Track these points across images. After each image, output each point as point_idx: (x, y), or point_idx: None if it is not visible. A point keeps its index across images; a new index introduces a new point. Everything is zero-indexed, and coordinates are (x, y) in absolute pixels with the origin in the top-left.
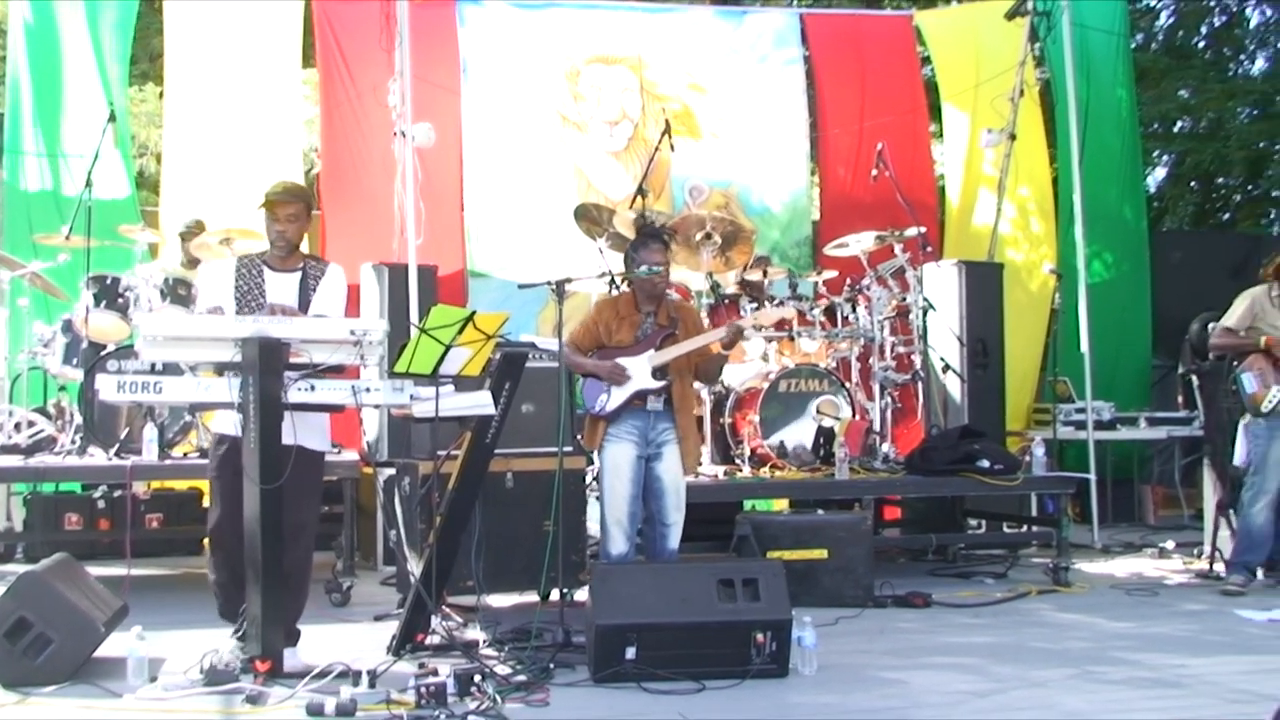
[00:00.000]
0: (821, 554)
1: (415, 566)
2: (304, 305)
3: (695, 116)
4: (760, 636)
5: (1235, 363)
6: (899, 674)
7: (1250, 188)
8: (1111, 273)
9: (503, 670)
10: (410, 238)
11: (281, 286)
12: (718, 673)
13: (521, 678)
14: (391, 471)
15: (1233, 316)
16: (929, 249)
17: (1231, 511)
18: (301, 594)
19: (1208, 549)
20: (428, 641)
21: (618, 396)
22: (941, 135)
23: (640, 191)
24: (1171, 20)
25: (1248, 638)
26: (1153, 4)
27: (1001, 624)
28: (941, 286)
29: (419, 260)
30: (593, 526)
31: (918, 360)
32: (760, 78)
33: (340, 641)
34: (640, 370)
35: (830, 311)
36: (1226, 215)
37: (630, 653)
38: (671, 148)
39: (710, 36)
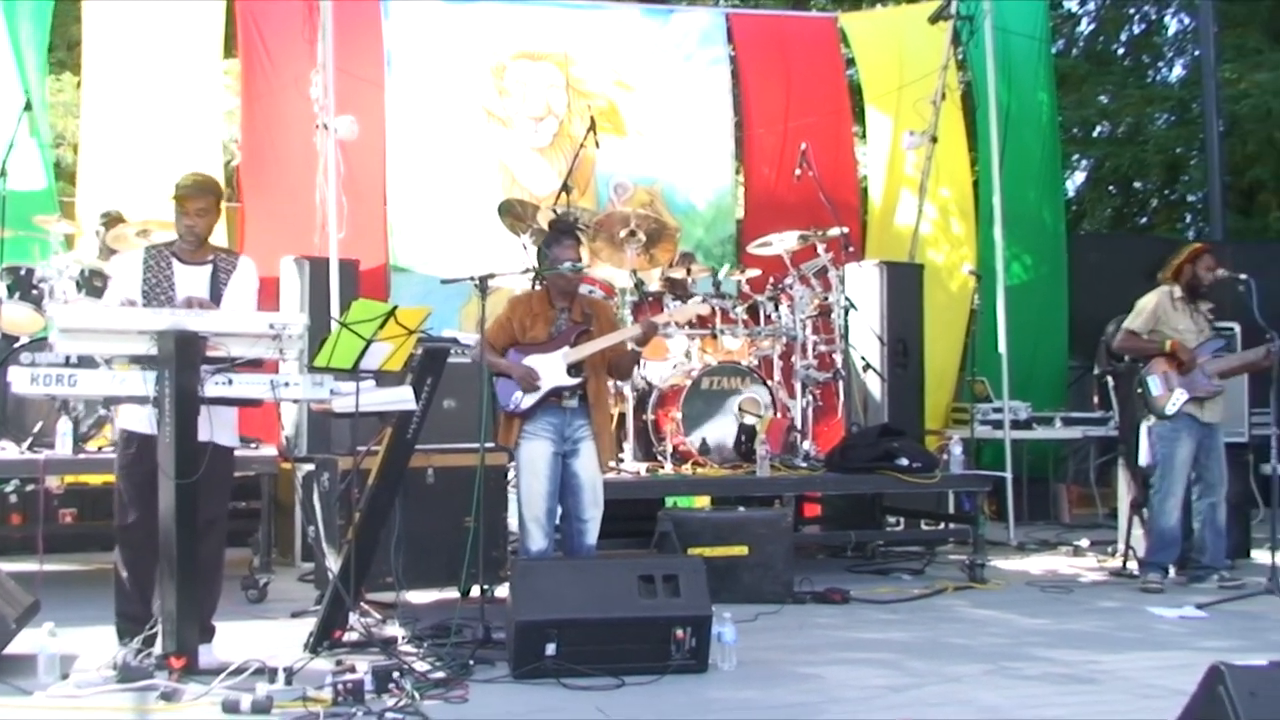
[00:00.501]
0: (742, 550)
1: (334, 563)
2: (215, 298)
3: (621, 114)
4: (680, 632)
5: (1141, 365)
6: (817, 669)
7: (1167, 192)
8: (1030, 274)
9: (421, 667)
10: (332, 231)
11: (191, 280)
12: (638, 668)
13: (440, 674)
14: (310, 467)
15: (1136, 320)
16: (851, 249)
17: (1144, 510)
18: (214, 590)
19: (1121, 547)
20: (346, 638)
21: (533, 393)
22: (865, 136)
23: (565, 188)
24: (1092, 27)
25: (1159, 634)
26: (1074, 10)
27: (918, 620)
28: (863, 286)
29: (340, 254)
30: (514, 523)
31: (839, 359)
32: (686, 76)
33: (257, 638)
34: (555, 367)
35: (753, 310)
36: (1144, 219)
37: (550, 649)
38: (596, 145)
39: (637, 34)
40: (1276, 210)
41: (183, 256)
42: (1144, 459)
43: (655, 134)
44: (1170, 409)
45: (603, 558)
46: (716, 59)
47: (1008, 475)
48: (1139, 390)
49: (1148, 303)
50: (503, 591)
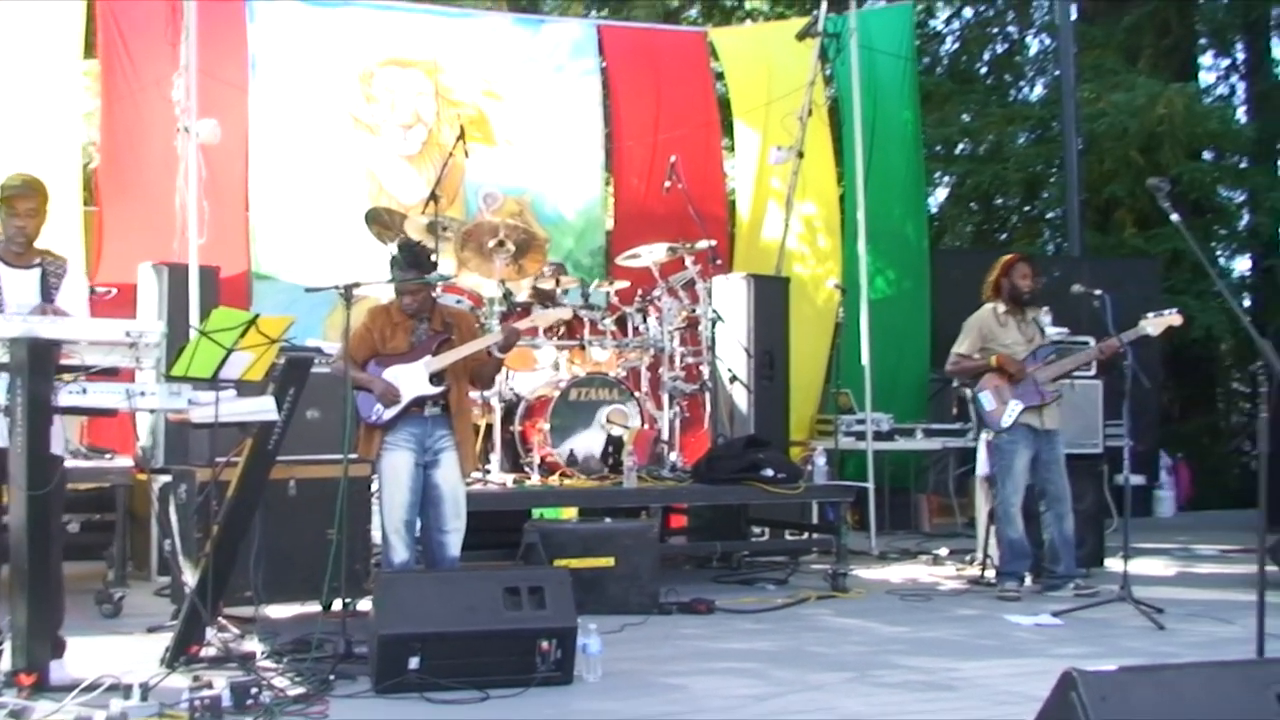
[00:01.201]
0: (608, 562)
1: (191, 577)
2: (47, 302)
3: (491, 123)
4: (545, 644)
5: (974, 384)
6: (682, 679)
7: (1027, 209)
8: (894, 289)
9: (281, 682)
10: (192, 237)
11: (20, 284)
12: (502, 681)
13: (300, 690)
14: (168, 478)
15: (964, 343)
16: (719, 261)
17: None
18: (58, 604)
19: (979, 556)
20: (203, 654)
21: (394, 406)
22: (733, 150)
23: (433, 196)
24: (956, 46)
25: (1016, 642)
26: (939, 29)
27: (782, 629)
28: (730, 299)
29: (201, 260)
30: (377, 535)
31: (706, 371)
32: (557, 87)
33: (111, 653)
34: (417, 376)
35: (621, 321)
36: (1004, 235)
37: (413, 663)
38: (466, 154)
39: (507, 44)
40: (1132, 227)
41: (9, 260)
42: (982, 471)
43: (525, 144)
44: (1006, 421)
45: (467, 570)
46: (587, 70)
47: (870, 485)
48: (973, 407)
49: (972, 323)
50: (365, 605)
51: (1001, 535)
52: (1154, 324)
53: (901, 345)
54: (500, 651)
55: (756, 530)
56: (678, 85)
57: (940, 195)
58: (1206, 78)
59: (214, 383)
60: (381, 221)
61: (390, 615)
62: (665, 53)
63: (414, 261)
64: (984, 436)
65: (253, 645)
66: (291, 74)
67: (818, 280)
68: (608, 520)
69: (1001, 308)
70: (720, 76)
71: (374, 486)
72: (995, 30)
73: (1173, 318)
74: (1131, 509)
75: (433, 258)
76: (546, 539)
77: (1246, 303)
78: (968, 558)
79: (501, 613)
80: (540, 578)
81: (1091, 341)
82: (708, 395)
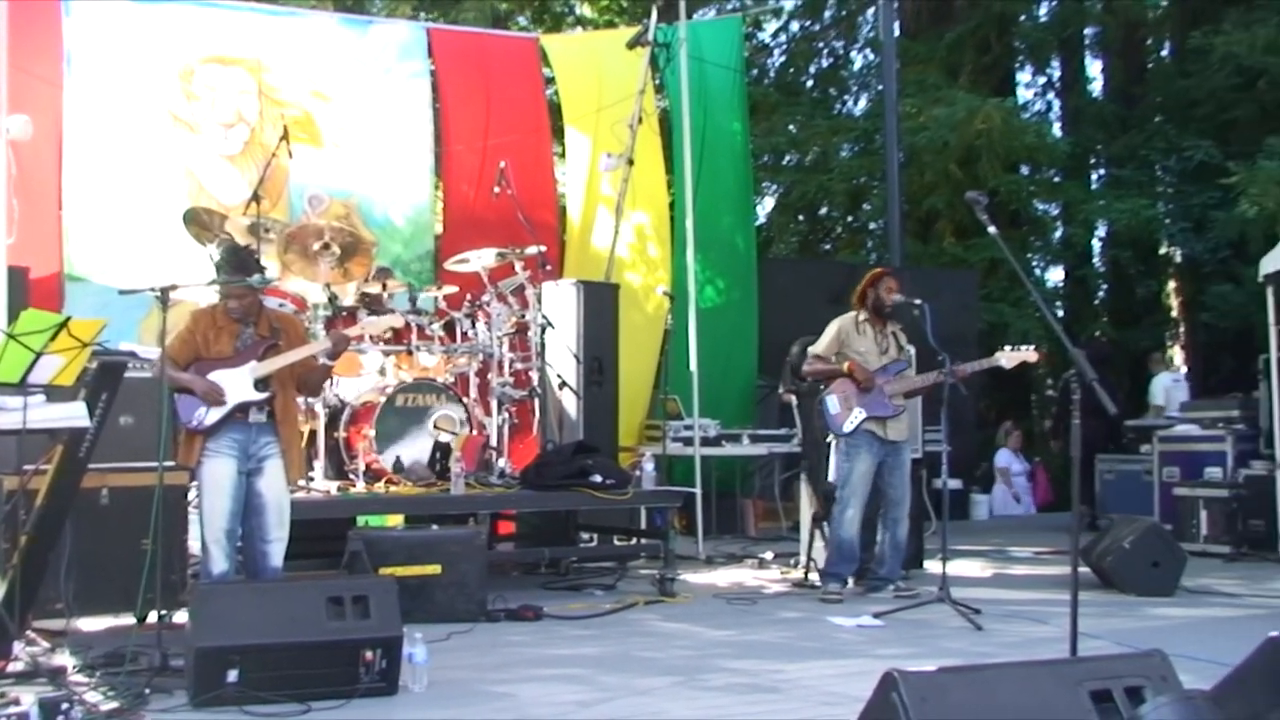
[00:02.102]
0: (435, 569)
1: None
2: None
3: (317, 124)
4: (369, 654)
5: (823, 387)
6: (508, 687)
7: (850, 219)
8: (722, 297)
9: (93, 698)
10: (0, 236)
11: None
12: (325, 693)
13: (114, 704)
14: None
15: (822, 344)
16: (548, 267)
17: (825, 524)
18: None
19: (803, 559)
20: (10, 669)
21: (217, 409)
22: (564, 156)
23: (255, 197)
24: (783, 59)
25: (838, 643)
26: (767, 42)
27: (610, 634)
28: (560, 305)
29: (10, 261)
30: (194, 545)
31: (535, 377)
32: (385, 89)
33: None
34: (242, 382)
35: (450, 326)
36: (828, 245)
37: (232, 675)
38: (289, 154)
39: (334, 44)
40: (951, 237)
41: None
42: (832, 474)
43: (353, 146)
44: (848, 427)
45: (289, 580)
46: (416, 73)
47: (697, 491)
48: (819, 409)
49: (832, 327)
50: (182, 617)
51: (833, 536)
52: (1009, 358)
53: (729, 352)
54: (323, 663)
55: (585, 536)
56: (508, 90)
57: (768, 205)
58: (1024, 94)
59: (22, 387)
60: (200, 222)
61: (207, 627)
62: (496, 58)
63: (240, 264)
64: (833, 440)
65: (63, 659)
66: (108, 70)
67: (648, 287)
68: (434, 527)
69: (862, 316)
70: (551, 82)
71: (193, 495)
72: (821, 45)
73: (1028, 354)
74: (949, 512)
75: (260, 261)
76: (371, 547)
77: (1060, 312)
78: (792, 561)
79: (324, 623)
80: (364, 587)
81: (912, 350)
82: (537, 401)
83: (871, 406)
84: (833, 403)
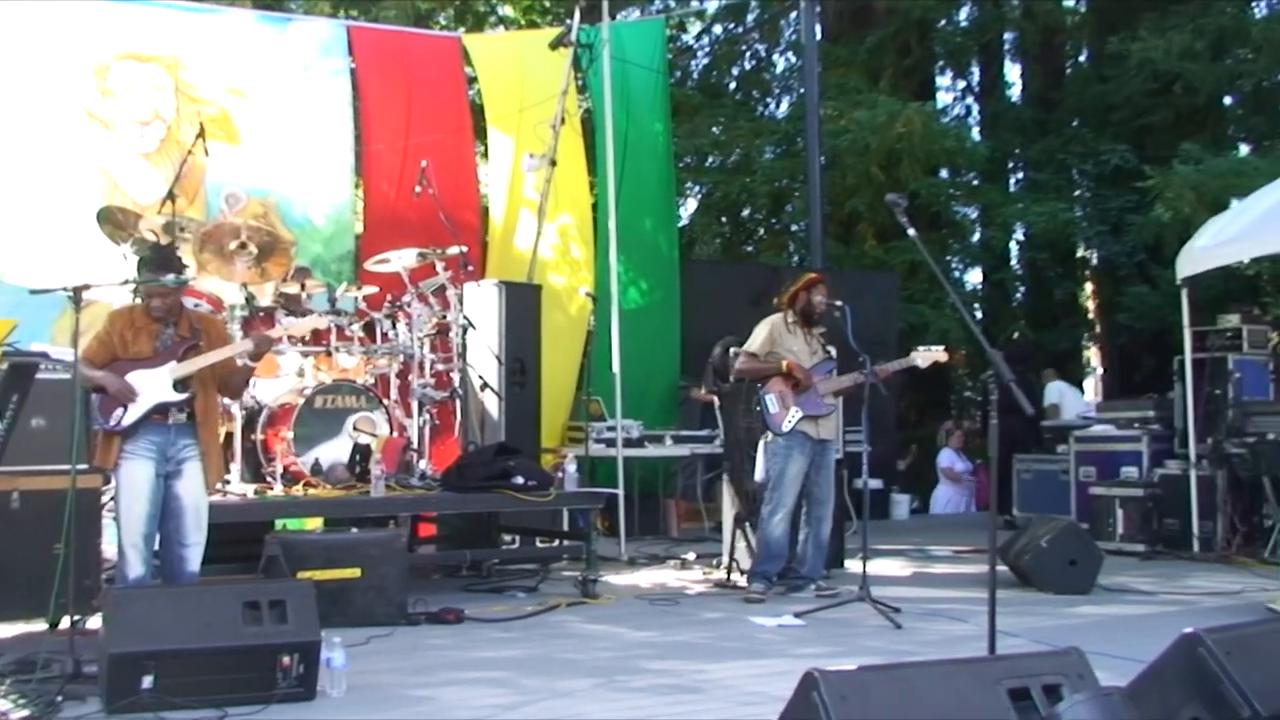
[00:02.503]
0: (354, 573)
1: None
2: None
3: (235, 122)
4: (287, 660)
5: (759, 386)
6: (428, 691)
7: (773, 221)
8: (646, 299)
9: (3, 705)
10: None
11: None
12: (242, 699)
13: (25, 713)
14: None
15: (754, 343)
16: (470, 268)
17: (749, 524)
18: None
19: (726, 559)
20: None
21: (135, 410)
22: (487, 156)
23: (170, 196)
24: (706, 61)
25: (760, 643)
26: (690, 43)
27: (531, 637)
28: (482, 306)
29: None
30: (109, 549)
31: (457, 378)
32: (305, 87)
33: None
34: (160, 382)
35: (370, 327)
36: (751, 247)
37: (147, 681)
38: (205, 152)
39: (253, 41)
40: (873, 239)
41: None
42: (759, 474)
43: (271, 144)
44: (786, 426)
45: (206, 584)
46: (337, 71)
47: (620, 492)
48: (757, 409)
49: (764, 326)
50: (95, 622)
51: (761, 536)
52: (923, 357)
53: (652, 354)
54: (239, 668)
55: (507, 538)
56: (430, 90)
57: (691, 206)
58: (944, 98)
59: None
60: (115, 221)
61: (121, 633)
62: (417, 56)
63: (163, 262)
64: (763, 440)
65: None
66: (20, 66)
67: (570, 288)
68: (354, 530)
69: (791, 317)
70: (474, 82)
71: (108, 497)
72: (744, 48)
73: (940, 354)
74: (870, 512)
75: (182, 259)
76: (289, 551)
77: (979, 314)
78: (714, 561)
79: (240, 628)
80: (281, 591)
81: (833, 351)
82: (458, 402)
83: (807, 405)
84: (771, 401)
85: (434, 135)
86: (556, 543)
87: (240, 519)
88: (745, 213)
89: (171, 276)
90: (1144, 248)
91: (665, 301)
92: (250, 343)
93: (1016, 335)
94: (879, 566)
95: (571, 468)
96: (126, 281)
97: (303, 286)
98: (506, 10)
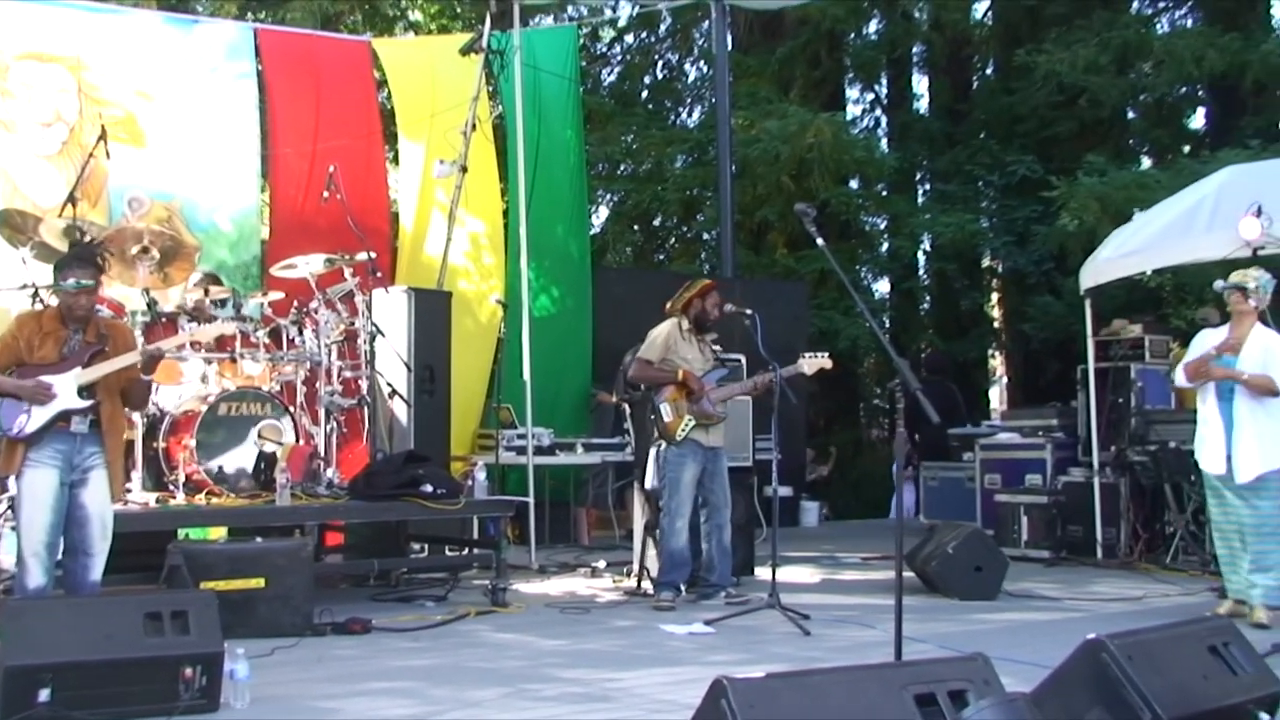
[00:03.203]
0: (259, 583)
1: None
2: None
3: (140, 124)
4: (189, 671)
5: (654, 393)
6: (334, 702)
7: (684, 230)
8: (557, 306)
9: None
10: None
11: None
12: (143, 711)
13: None
14: None
15: (651, 349)
16: (378, 274)
17: (658, 532)
18: None
19: (636, 567)
20: None
21: (39, 417)
22: (398, 162)
23: (71, 199)
24: (619, 69)
25: (671, 650)
26: (603, 51)
27: (440, 646)
28: (391, 312)
29: None
30: (7, 559)
31: (365, 385)
32: (211, 89)
33: None
34: (65, 389)
35: (276, 333)
36: (662, 255)
37: (43, 695)
38: (107, 155)
39: (158, 43)
40: (783, 248)
41: None
42: (650, 482)
43: (177, 147)
44: (681, 434)
45: (106, 595)
46: (244, 73)
47: (530, 500)
48: (652, 416)
49: (659, 333)
50: None
51: (663, 545)
52: (809, 364)
53: (564, 361)
54: (140, 680)
55: (416, 547)
56: (339, 93)
57: (603, 214)
58: (853, 110)
59: None
60: (14, 224)
61: (17, 645)
62: (326, 60)
63: (83, 255)
64: (655, 448)
65: None
66: None
67: (482, 295)
68: (259, 540)
69: (685, 324)
70: (383, 85)
71: (4, 506)
72: (657, 57)
73: (824, 360)
74: (780, 519)
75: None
76: (191, 560)
77: (888, 323)
78: (625, 569)
79: (141, 639)
80: (184, 601)
81: (742, 359)
82: (366, 410)
83: (699, 413)
84: (667, 409)
85: (343, 140)
86: (466, 551)
87: (142, 528)
88: (657, 221)
89: (72, 281)
90: (1049, 258)
91: (577, 309)
92: (136, 354)
93: (926, 345)
94: (789, 573)
95: (481, 475)
96: (25, 285)
97: (207, 292)
98: (417, 14)
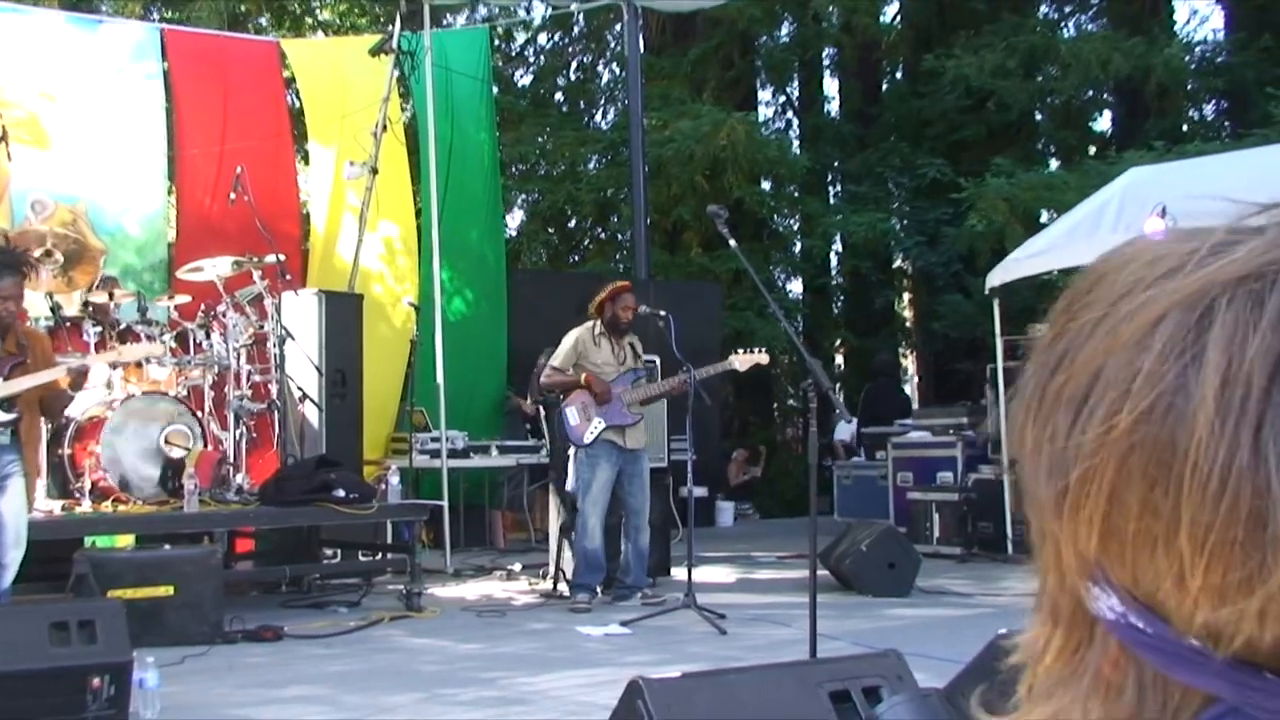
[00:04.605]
0: (167, 591)
1: None
2: None
3: (43, 125)
4: (97, 681)
5: (563, 398)
6: (246, 711)
7: (599, 231)
8: (471, 309)
9: None
10: None
11: None
12: None
13: None
14: None
15: (560, 356)
16: (288, 277)
17: (573, 534)
18: None
19: (551, 569)
20: None
21: None
22: (308, 163)
23: None
24: (533, 71)
25: (587, 652)
26: (516, 52)
27: (354, 652)
28: (301, 315)
29: None
30: None
31: (274, 389)
32: (117, 90)
33: None
34: None
35: (182, 337)
36: (577, 256)
37: None
38: (9, 157)
39: (62, 43)
40: (698, 248)
41: None
42: (570, 484)
43: (82, 149)
44: (588, 437)
45: (11, 604)
46: (151, 74)
47: (445, 503)
48: (559, 422)
49: (569, 339)
50: None
51: (578, 547)
52: (741, 360)
53: (478, 364)
54: (46, 691)
55: (329, 552)
56: (247, 94)
57: (518, 217)
58: (765, 112)
59: None
60: None
61: None
62: (234, 60)
63: (9, 265)
64: (573, 451)
65: None
66: None
67: (394, 299)
68: (167, 547)
69: (599, 328)
70: (291, 83)
71: None
72: (570, 58)
73: (760, 356)
74: (695, 519)
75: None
76: (98, 569)
77: (801, 323)
78: (541, 572)
79: (46, 649)
80: (91, 610)
81: (657, 360)
82: (276, 414)
83: (610, 416)
84: (572, 414)
85: (251, 141)
86: (380, 556)
87: (47, 536)
88: (572, 222)
89: None
90: (959, 258)
91: (491, 312)
92: (62, 370)
93: (838, 343)
94: (705, 573)
95: (395, 479)
96: None
97: (111, 295)
98: (325, 14)
